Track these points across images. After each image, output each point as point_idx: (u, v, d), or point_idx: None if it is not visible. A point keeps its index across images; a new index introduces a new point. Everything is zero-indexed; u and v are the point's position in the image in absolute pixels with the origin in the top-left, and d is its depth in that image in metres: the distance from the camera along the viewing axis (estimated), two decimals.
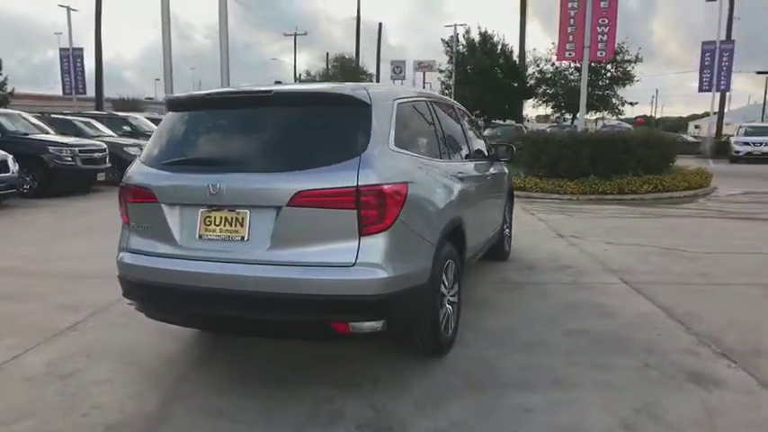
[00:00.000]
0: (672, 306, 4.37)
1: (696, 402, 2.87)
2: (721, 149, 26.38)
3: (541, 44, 68.14)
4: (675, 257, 6.06)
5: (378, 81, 38.47)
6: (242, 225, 2.84)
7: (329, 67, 35.17)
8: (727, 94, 35.47)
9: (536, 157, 12.24)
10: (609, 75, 34.85)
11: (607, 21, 14.12)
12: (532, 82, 36.55)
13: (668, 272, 5.48)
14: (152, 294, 3.07)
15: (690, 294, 4.72)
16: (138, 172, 3.15)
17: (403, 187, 2.83)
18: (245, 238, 2.83)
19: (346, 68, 34.00)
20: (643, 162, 11.99)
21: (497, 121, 35.55)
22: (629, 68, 34.06)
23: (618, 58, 33.68)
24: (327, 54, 45.67)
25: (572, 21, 14.27)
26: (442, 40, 37.68)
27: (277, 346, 3.62)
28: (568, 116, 37.63)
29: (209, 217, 2.90)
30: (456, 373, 3.24)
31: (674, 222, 8.73)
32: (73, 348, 3.61)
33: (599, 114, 37.32)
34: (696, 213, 9.63)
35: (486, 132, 23.64)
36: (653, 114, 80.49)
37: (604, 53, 14.28)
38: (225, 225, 2.87)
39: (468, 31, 37.34)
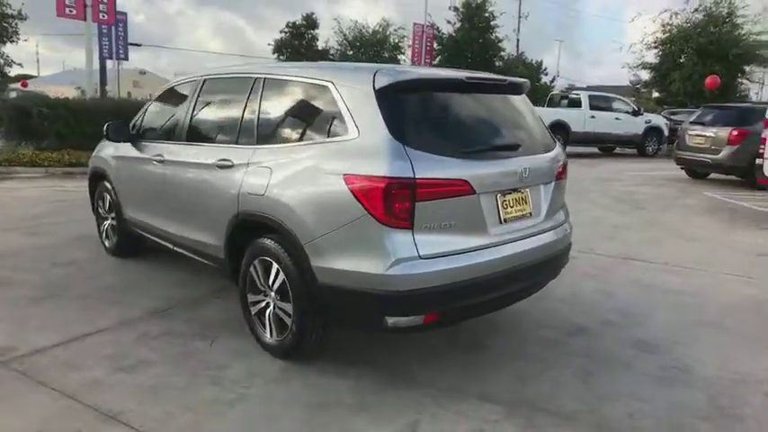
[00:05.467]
0: None
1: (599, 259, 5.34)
2: None
3: None
4: None
5: None
6: (526, 203, 3.11)
7: None
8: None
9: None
10: None
11: None
12: None
13: None
14: (460, 295, 2.76)
15: None
16: (437, 165, 2.64)
17: None
18: (532, 214, 3.14)
19: None
20: None
21: None
22: (11, 24, 30.92)
23: None
24: None
25: None
26: None
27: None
28: None
29: (506, 200, 2.97)
30: None
31: None
32: None
33: None
34: None
35: None
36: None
37: (107, 16, 13.55)
38: (516, 205, 3.04)
39: None
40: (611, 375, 3.16)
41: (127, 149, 4.60)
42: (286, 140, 3.16)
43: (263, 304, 3.24)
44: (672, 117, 19.95)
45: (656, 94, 28.71)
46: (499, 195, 2.95)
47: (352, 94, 2.83)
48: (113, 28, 29.40)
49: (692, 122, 12.08)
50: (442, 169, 2.67)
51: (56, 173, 10.57)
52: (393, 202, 2.56)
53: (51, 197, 8.27)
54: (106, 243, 5.23)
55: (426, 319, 2.72)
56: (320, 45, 36.32)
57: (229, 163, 3.37)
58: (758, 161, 7.83)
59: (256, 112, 3.35)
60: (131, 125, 4.66)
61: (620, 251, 5.78)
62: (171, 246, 4.11)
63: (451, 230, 2.73)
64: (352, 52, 37.48)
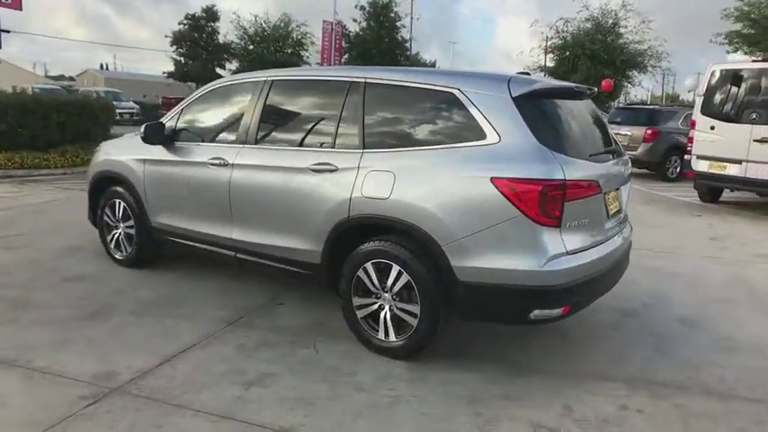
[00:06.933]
0: None
1: None
2: None
3: None
4: None
5: None
6: (618, 200, 3.43)
7: None
8: None
9: None
10: None
11: None
12: None
13: None
14: (590, 286, 3.03)
15: None
16: (575, 167, 2.87)
17: None
18: (620, 210, 3.47)
19: None
20: None
21: None
22: None
23: None
24: None
25: None
26: None
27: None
28: None
29: (608, 198, 3.26)
30: None
31: None
32: None
33: None
34: None
35: None
36: None
37: (10, 1, 12.11)
38: (614, 203, 3.35)
39: None
40: (682, 349, 3.59)
41: (160, 152, 4.30)
42: (406, 145, 3.19)
43: (375, 307, 3.27)
44: None
45: None
46: (606, 193, 3.25)
47: (487, 101, 2.97)
48: None
49: (608, 122, 13.39)
50: (580, 171, 2.91)
51: None
52: (548, 203, 2.75)
53: None
54: (116, 255, 4.82)
55: (564, 310, 2.94)
56: (220, 39, 34.87)
57: (332, 167, 3.33)
58: (686, 157, 8.95)
59: (360, 117, 3.34)
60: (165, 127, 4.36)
61: None
62: (233, 254, 3.94)
63: (584, 227, 2.99)
64: (253, 47, 36.38)
